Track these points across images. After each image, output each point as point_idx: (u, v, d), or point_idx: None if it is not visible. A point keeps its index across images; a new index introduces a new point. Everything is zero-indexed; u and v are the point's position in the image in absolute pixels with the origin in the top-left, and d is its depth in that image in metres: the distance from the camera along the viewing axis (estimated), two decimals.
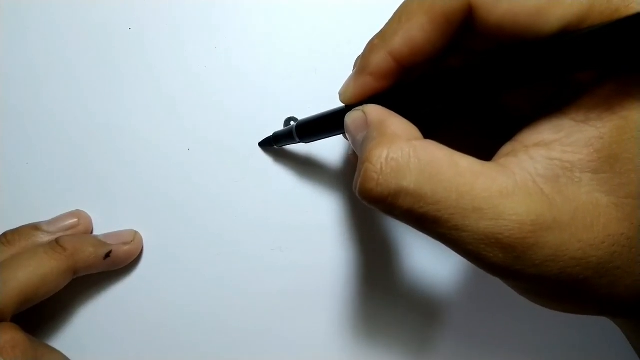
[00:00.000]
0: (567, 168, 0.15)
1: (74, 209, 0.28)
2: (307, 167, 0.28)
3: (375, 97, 0.19)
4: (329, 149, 0.28)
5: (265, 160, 0.28)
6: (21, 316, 0.23)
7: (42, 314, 0.27)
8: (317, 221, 0.28)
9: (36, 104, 0.28)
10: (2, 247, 0.25)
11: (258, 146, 0.28)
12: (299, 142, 0.25)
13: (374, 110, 0.18)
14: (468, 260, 0.16)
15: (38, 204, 0.28)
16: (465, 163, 0.15)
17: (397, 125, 0.17)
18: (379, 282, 0.28)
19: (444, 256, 0.28)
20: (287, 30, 0.28)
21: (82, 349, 0.27)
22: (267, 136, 0.27)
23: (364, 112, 0.18)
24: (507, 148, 0.17)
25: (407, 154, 0.16)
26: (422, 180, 0.15)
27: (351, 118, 0.19)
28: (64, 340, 0.27)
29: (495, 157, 0.17)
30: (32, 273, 0.23)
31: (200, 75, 0.28)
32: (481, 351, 0.28)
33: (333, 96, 0.28)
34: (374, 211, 0.28)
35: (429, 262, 0.28)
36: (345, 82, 0.20)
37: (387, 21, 0.18)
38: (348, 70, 0.21)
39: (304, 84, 0.28)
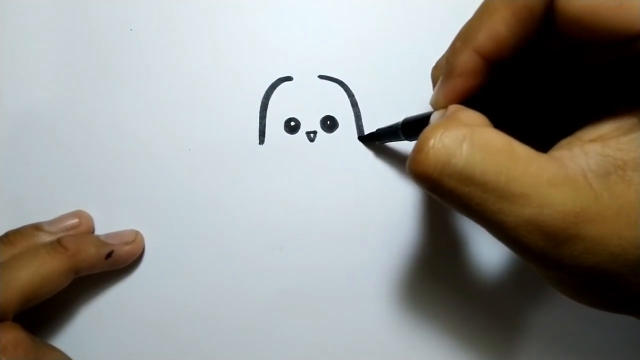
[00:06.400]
0: (619, 166, 0.15)
1: (75, 209, 0.28)
2: (307, 167, 0.28)
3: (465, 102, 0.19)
4: (329, 149, 0.28)
5: (265, 160, 0.28)
6: (23, 315, 0.23)
7: (44, 313, 0.27)
8: (317, 221, 0.28)
9: (38, 104, 0.28)
10: (4, 247, 0.25)
11: (358, 140, 0.28)
12: (404, 139, 0.25)
13: (452, 106, 0.19)
14: (506, 245, 0.16)
15: (39, 204, 0.28)
16: (521, 150, 0.16)
17: (465, 113, 0.17)
18: (378, 282, 0.28)
19: (445, 259, 0.28)
20: (288, 31, 0.28)
21: (83, 349, 0.27)
22: (370, 132, 0.27)
23: (445, 109, 0.19)
24: (564, 142, 0.17)
25: (462, 134, 0.16)
26: (473, 160, 0.15)
27: (435, 117, 0.20)
28: (65, 339, 0.27)
29: (552, 150, 0.17)
30: (33, 273, 0.23)
31: (201, 76, 0.28)
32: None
33: (335, 97, 0.28)
34: (375, 210, 0.28)
35: (430, 261, 0.28)
36: (434, 92, 0.20)
37: (465, 23, 0.19)
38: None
39: (305, 85, 0.28)
